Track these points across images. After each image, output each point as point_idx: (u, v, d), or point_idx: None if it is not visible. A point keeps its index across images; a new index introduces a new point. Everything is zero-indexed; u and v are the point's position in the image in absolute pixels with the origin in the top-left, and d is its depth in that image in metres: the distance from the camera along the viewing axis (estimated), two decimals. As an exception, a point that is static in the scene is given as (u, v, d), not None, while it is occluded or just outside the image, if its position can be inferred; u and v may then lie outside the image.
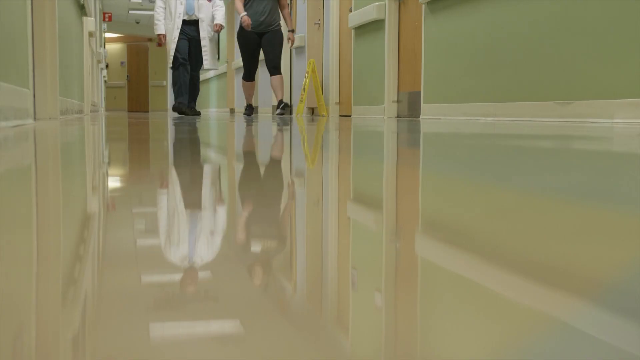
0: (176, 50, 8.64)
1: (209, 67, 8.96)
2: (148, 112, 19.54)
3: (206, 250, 0.49)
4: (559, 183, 0.90)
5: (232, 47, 14.88)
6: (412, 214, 0.66)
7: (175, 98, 8.73)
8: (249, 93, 8.79)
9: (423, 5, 6.14)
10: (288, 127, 3.72)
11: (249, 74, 8.72)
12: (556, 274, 0.41)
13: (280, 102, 8.28)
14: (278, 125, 4.07)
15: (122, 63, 22.83)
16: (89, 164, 1.24)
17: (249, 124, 4.33)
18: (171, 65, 8.75)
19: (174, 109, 8.69)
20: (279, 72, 8.42)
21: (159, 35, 8.60)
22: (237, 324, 0.32)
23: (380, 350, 0.29)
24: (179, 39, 8.69)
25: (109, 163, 1.25)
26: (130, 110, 21.45)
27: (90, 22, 9.11)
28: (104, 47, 17.72)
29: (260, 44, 8.45)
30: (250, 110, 8.77)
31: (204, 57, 8.83)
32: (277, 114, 8.15)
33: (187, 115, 8.60)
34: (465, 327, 0.31)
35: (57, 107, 4.81)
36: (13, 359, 0.27)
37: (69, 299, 0.36)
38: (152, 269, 0.43)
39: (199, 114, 8.90)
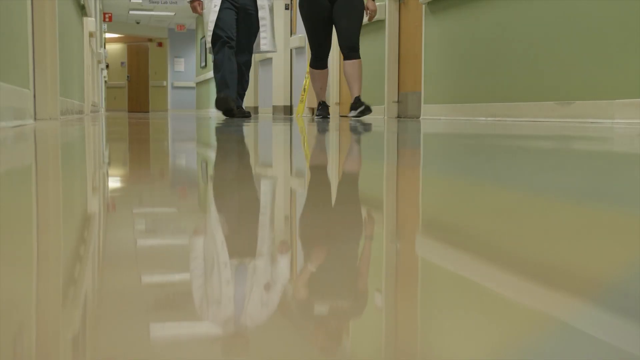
0: (216, 24, 6.03)
1: (268, 48, 6.39)
2: (148, 112, 19.55)
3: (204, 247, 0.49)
4: (559, 183, 0.90)
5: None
6: (412, 214, 0.66)
7: (218, 91, 6.15)
8: (320, 86, 6.14)
9: (423, 6, 6.14)
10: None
11: (320, 59, 6.03)
12: (556, 274, 0.41)
13: (357, 99, 5.86)
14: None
15: (122, 63, 22.84)
16: (89, 164, 1.24)
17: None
18: (209, 45, 6.20)
19: (217, 104, 6.06)
20: (358, 55, 5.85)
21: (193, 2, 6.16)
22: (237, 323, 0.32)
23: (380, 350, 0.29)
24: (222, 8, 6.07)
25: (109, 163, 1.25)
26: (130, 111, 21.46)
27: (90, 23, 9.11)
28: (104, 48, 17.73)
29: (332, 13, 5.87)
30: (325, 110, 6.24)
31: (261, 35, 6.28)
32: (354, 116, 5.86)
33: (235, 116, 6.18)
34: (465, 327, 0.31)
35: (58, 107, 4.81)
36: (13, 359, 0.27)
37: (69, 299, 0.36)
38: (152, 270, 0.43)
39: (248, 115, 6.42)
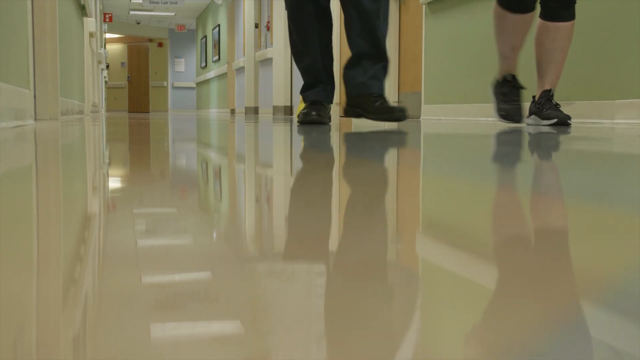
0: None
1: None
2: (149, 112, 19.55)
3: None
4: (560, 183, 0.90)
5: (232, 47, 14.88)
6: (412, 214, 0.66)
7: (304, 89, 3.78)
8: (512, 45, 3.56)
9: (423, 6, 6.14)
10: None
11: None
12: (556, 274, 0.41)
13: (547, 92, 3.37)
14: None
15: (122, 64, 22.84)
16: (90, 164, 1.24)
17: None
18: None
19: (300, 121, 3.63)
20: (573, 14, 3.26)
21: None
22: (237, 324, 0.32)
23: (380, 350, 0.29)
24: None
25: (109, 164, 1.25)
26: (130, 111, 21.46)
27: (90, 23, 9.11)
28: (105, 48, 17.73)
29: None
30: (512, 107, 3.54)
31: None
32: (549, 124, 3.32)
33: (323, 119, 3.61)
34: (465, 327, 0.31)
35: (58, 107, 4.81)
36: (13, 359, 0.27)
37: (69, 299, 0.36)
38: (153, 270, 0.43)
39: (400, 114, 3.33)
